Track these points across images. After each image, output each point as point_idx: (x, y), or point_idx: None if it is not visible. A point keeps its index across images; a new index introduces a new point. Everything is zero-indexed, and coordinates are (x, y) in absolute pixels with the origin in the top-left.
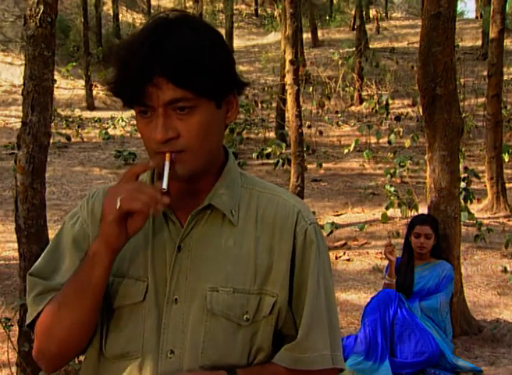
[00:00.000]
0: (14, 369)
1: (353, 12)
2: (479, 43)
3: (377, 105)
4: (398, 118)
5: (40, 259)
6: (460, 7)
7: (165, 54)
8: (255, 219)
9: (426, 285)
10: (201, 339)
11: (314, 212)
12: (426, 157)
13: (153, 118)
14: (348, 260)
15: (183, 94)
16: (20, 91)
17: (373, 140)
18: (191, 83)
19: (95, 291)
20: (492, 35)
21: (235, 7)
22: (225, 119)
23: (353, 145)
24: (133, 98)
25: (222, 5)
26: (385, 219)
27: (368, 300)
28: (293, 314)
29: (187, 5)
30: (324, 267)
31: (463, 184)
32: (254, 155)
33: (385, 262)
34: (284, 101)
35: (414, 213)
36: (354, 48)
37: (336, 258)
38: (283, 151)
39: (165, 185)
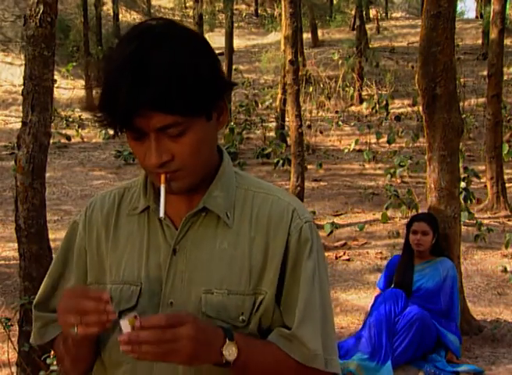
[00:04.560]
0: (14, 369)
1: (353, 12)
2: (479, 43)
3: (377, 105)
4: (398, 118)
5: (44, 282)
6: (459, 7)
7: (150, 86)
8: (250, 220)
9: (425, 284)
10: None
11: (314, 212)
12: (426, 157)
13: (145, 140)
14: (348, 260)
15: (174, 119)
16: (20, 91)
17: (373, 140)
18: (180, 109)
19: (85, 356)
20: (492, 35)
21: (235, 7)
22: (217, 124)
23: (353, 145)
24: (121, 129)
25: (222, 5)
26: (385, 219)
27: (373, 299)
28: (282, 312)
29: (187, 5)
30: (319, 267)
31: (463, 184)
32: (255, 155)
33: (385, 263)
34: (284, 101)
35: (414, 213)
36: (354, 48)
37: (336, 258)
38: (283, 151)
39: (162, 214)
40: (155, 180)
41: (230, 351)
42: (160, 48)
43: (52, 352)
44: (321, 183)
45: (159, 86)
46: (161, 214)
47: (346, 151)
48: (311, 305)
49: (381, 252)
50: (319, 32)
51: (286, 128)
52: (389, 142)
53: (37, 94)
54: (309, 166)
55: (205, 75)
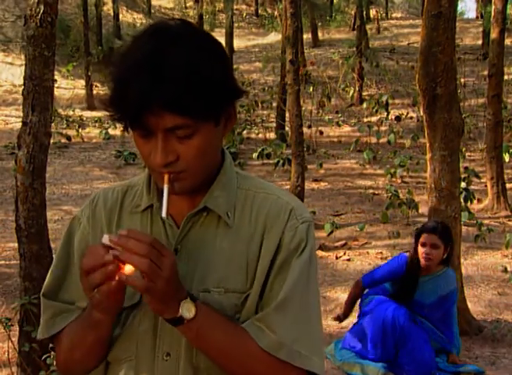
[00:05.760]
0: (14, 369)
1: (353, 12)
2: (479, 43)
3: (377, 105)
4: (398, 118)
5: (49, 274)
6: (460, 7)
7: (165, 85)
8: (250, 219)
9: (422, 300)
10: None
11: (314, 212)
12: (426, 157)
13: (151, 139)
14: (348, 260)
15: (184, 121)
16: (21, 91)
17: (373, 140)
18: (193, 111)
19: (104, 340)
20: (492, 35)
21: (235, 7)
22: (224, 130)
23: (353, 145)
24: (131, 125)
25: (222, 5)
26: (385, 219)
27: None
28: (262, 307)
29: (187, 5)
30: (309, 268)
31: (463, 184)
32: (255, 155)
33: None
34: (284, 101)
35: (414, 213)
36: (355, 48)
37: (337, 258)
38: (283, 151)
39: (164, 214)
40: (158, 180)
41: (187, 309)
42: (177, 49)
43: (52, 353)
44: (322, 184)
45: (175, 86)
46: (163, 214)
47: (346, 151)
48: (290, 302)
49: (381, 252)
50: (319, 32)
51: (287, 128)
52: (389, 142)
53: (37, 94)
54: (309, 166)
55: (220, 80)
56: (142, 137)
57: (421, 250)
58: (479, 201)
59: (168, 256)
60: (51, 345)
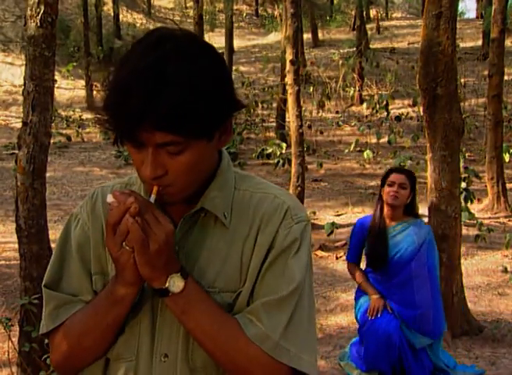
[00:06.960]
0: (14, 369)
1: (353, 12)
2: (480, 43)
3: (377, 105)
4: (398, 118)
5: (49, 267)
6: (460, 7)
7: (160, 105)
8: (246, 220)
9: (399, 253)
10: (190, 341)
11: (314, 212)
12: (427, 157)
13: (142, 150)
14: None
15: (175, 138)
16: (21, 91)
17: (373, 140)
18: (184, 131)
19: (121, 320)
20: (492, 35)
21: (235, 7)
22: (218, 143)
23: (353, 145)
24: (120, 138)
25: (222, 5)
26: None
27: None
28: (252, 302)
29: (188, 5)
30: (306, 269)
31: (463, 184)
32: (255, 155)
33: None
34: (284, 102)
35: None
36: (355, 48)
37: (337, 258)
38: (284, 151)
39: None
40: (148, 189)
41: (175, 282)
42: (177, 64)
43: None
44: (322, 184)
45: (170, 107)
46: None
47: (346, 151)
48: (285, 301)
49: None
50: (319, 32)
51: (287, 128)
52: (389, 142)
53: (37, 94)
54: (309, 166)
55: (216, 101)
56: (134, 147)
57: (387, 189)
58: (479, 201)
59: (165, 224)
60: (46, 341)
